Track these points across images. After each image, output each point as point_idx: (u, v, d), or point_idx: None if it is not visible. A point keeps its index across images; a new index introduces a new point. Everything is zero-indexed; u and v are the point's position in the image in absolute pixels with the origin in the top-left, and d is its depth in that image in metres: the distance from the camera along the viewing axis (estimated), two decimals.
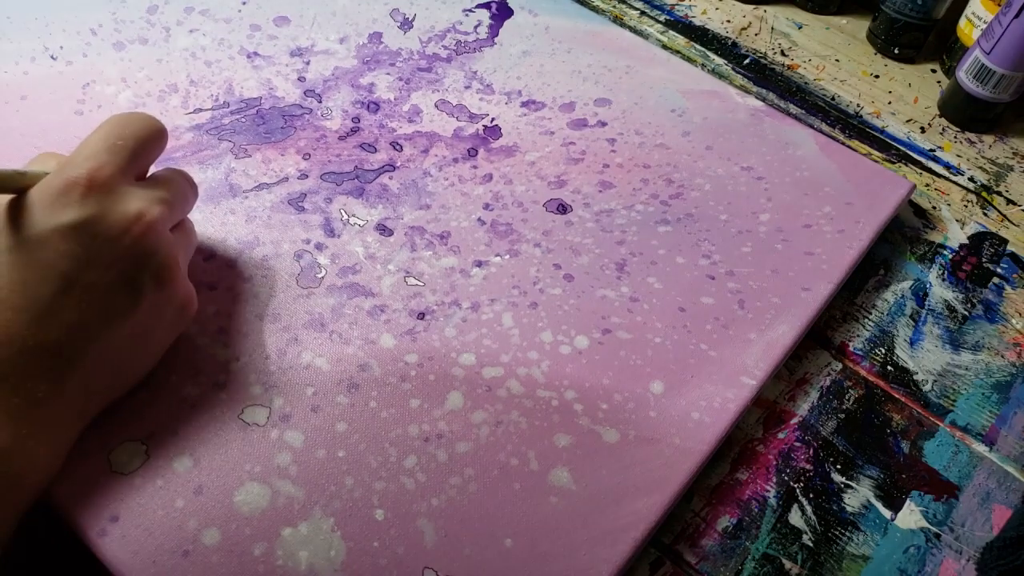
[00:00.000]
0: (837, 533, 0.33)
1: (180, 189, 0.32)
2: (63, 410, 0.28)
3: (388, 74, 0.46)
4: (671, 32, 0.53)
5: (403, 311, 0.36)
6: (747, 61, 0.52)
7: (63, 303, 0.28)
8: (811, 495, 0.34)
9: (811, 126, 0.48)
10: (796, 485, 0.34)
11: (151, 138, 0.31)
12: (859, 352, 0.39)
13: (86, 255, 0.28)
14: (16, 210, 0.28)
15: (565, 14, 0.50)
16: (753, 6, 0.56)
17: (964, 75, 0.47)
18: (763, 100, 0.49)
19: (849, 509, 0.34)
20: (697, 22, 0.54)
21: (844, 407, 0.37)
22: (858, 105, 0.50)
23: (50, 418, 0.28)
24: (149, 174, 0.33)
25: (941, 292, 0.41)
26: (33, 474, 0.27)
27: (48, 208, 0.28)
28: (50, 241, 0.27)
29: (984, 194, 0.46)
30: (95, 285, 0.28)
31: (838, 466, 0.35)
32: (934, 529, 0.33)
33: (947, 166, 0.47)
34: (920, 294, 0.41)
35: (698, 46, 0.52)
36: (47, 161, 0.31)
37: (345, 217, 0.39)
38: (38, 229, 0.27)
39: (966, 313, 0.40)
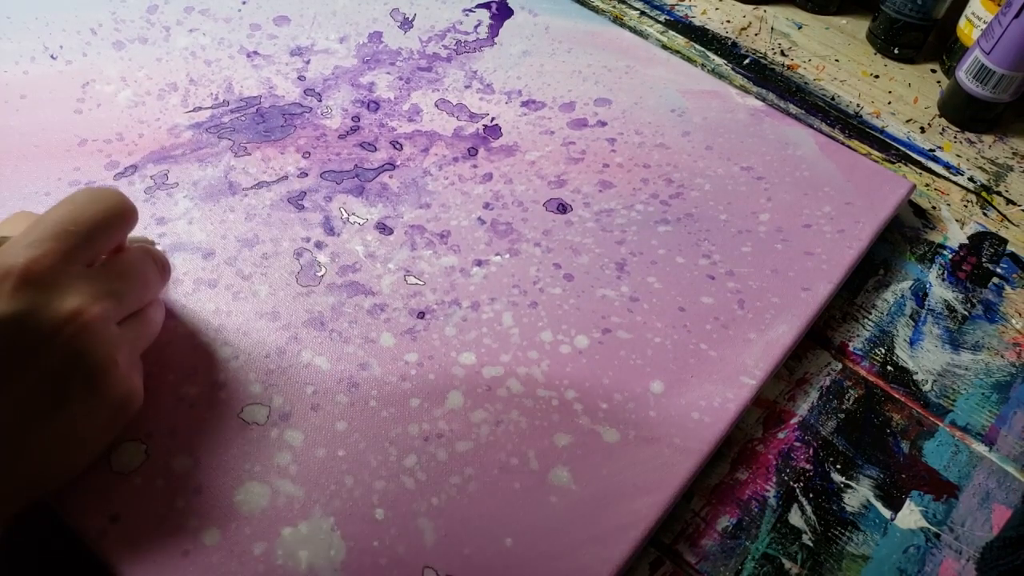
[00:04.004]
0: (837, 533, 0.33)
1: (138, 277, 0.30)
2: None
3: (388, 73, 0.46)
4: (671, 32, 0.53)
5: (403, 310, 0.36)
6: (747, 61, 0.52)
7: None
8: (811, 495, 0.34)
9: (811, 126, 0.48)
10: (796, 485, 0.34)
11: (110, 222, 0.28)
12: (859, 352, 0.39)
13: (7, 354, 0.25)
14: None
15: (565, 14, 0.50)
16: (753, 6, 0.56)
17: (964, 75, 0.47)
18: (763, 100, 0.49)
19: (849, 509, 0.34)
20: (697, 22, 0.54)
21: (844, 407, 0.37)
22: (858, 105, 0.50)
23: None
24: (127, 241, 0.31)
25: (941, 292, 0.41)
26: None
27: None
28: None
29: (984, 194, 0.46)
30: (14, 388, 0.25)
31: (838, 466, 0.35)
32: (934, 529, 0.33)
33: (947, 166, 0.47)
34: (920, 294, 0.41)
35: (698, 46, 0.52)
36: (20, 222, 0.29)
37: (345, 216, 0.39)
38: None
39: (966, 313, 0.40)
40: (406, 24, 0.49)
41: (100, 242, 0.28)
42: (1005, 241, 0.44)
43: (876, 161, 0.46)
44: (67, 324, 0.26)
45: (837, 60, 0.52)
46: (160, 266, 0.32)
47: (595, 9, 0.54)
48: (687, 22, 0.54)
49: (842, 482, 0.34)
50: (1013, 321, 0.40)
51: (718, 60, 0.52)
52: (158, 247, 0.32)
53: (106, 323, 0.27)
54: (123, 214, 0.29)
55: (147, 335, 0.31)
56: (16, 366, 0.25)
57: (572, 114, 0.45)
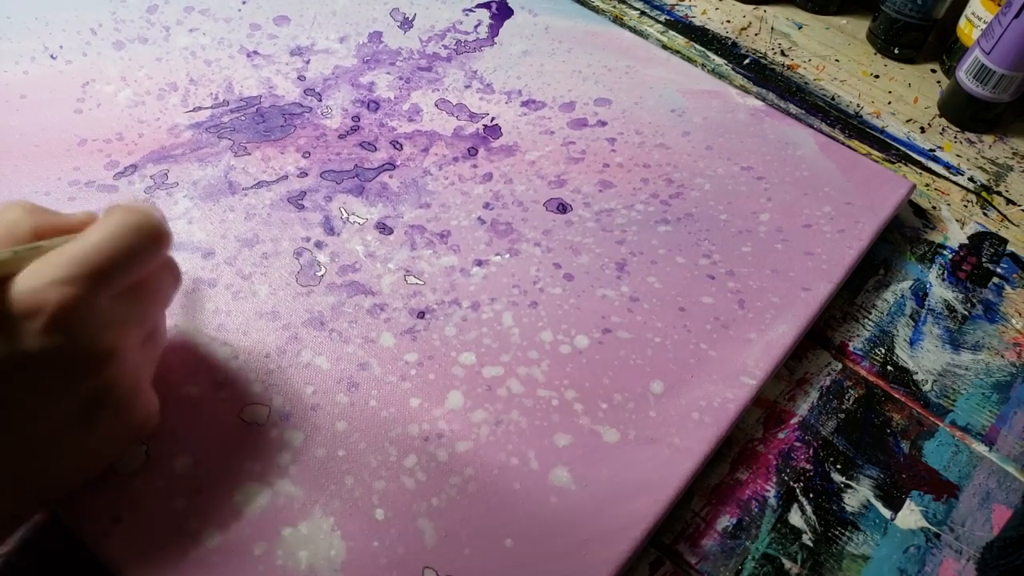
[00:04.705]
0: (837, 533, 0.33)
1: (159, 298, 0.29)
2: None
3: (388, 73, 0.46)
4: (671, 32, 0.53)
5: (403, 310, 0.36)
6: (747, 61, 0.52)
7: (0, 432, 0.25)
8: (811, 495, 0.34)
9: (811, 126, 0.48)
10: (796, 485, 0.34)
11: (145, 255, 0.27)
12: (859, 352, 0.39)
13: (40, 388, 0.25)
14: None
15: (565, 14, 0.50)
16: (753, 6, 0.56)
17: (964, 75, 0.47)
18: (763, 100, 0.49)
19: (849, 509, 0.34)
20: (697, 22, 0.54)
21: (844, 407, 0.37)
22: (858, 105, 0.50)
23: None
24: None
25: (941, 292, 0.41)
26: None
27: (5, 327, 0.24)
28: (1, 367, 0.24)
29: (984, 194, 0.46)
30: (44, 416, 0.25)
31: (838, 466, 0.35)
32: (934, 529, 0.33)
33: (947, 166, 0.47)
34: (920, 294, 0.41)
35: (698, 46, 0.52)
36: (6, 214, 0.27)
37: (345, 215, 0.39)
38: None
39: (966, 313, 0.40)
40: (406, 24, 0.49)
41: (132, 275, 0.27)
42: (1005, 241, 0.44)
43: (876, 161, 0.46)
44: (101, 363, 0.26)
45: (837, 60, 0.52)
46: (174, 277, 0.30)
47: (595, 9, 0.54)
48: (687, 22, 0.54)
49: (842, 482, 0.34)
50: (1013, 321, 0.40)
51: (718, 60, 0.52)
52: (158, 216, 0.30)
53: (134, 352, 0.27)
54: (158, 244, 0.27)
55: (160, 349, 0.31)
56: (46, 400, 0.25)
57: (572, 114, 0.45)
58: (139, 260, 0.27)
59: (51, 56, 0.44)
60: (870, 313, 0.40)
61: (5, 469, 0.25)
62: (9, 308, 0.24)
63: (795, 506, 0.34)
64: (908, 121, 0.49)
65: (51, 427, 0.26)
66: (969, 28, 0.49)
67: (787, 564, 0.32)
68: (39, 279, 0.25)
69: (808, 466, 0.35)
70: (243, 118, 0.43)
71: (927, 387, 0.38)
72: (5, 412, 0.24)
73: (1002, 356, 0.39)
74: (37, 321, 0.24)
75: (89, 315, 0.25)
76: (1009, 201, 0.46)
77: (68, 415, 0.26)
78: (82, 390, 0.26)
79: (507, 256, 0.38)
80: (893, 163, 0.47)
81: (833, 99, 0.50)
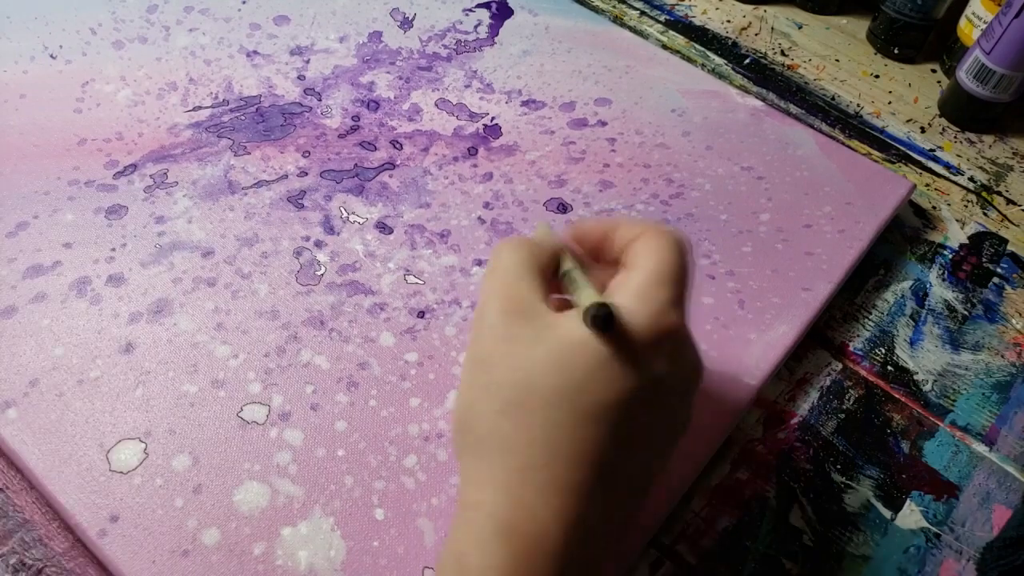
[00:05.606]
0: (837, 533, 0.33)
1: (686, 272, 0.27)
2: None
3: (388, 73, 0.46)
4: (671, 32, 0.53)
5: (403, 309, 0.36)
6: (747, 61, 0.52)
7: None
8: (811, 495, 0.34)
9: (811, 126, 0.48)
10: (796, 485, 0.34)
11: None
12: (859, 352, 0.39)
13: (664, 412, 0.24)
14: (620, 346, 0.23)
15: (565, 14, 0.50)
16: (753, 6, 0.56)
17: (964, 75, 0.47)
18: (763, 100, 0.49)
19: (849, 509, 0.34)
20: (697, 22, 0.54)
21: (844, 407, 0.37)
22: (858, 105, 0.50)
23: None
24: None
25: (941, 292, 0.41)
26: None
27: (639, 354, 0.23)
28: (653, 397, 0.23)
29: (984, 194, 0.46)
30: (660, 440, 0.25)
31: (838, 466, 0.35)
32: (934, 529, 0.33)
33: (947, 166, 0.47)
34: (920, 294, 0.41)
35: (698, 46, 0.52)
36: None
37: (345, 215, 0.39)
38: (639, 381, 0.23)
39: (966, 313, 0.40)
40: (406, 24, 0.49)
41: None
42: (1005, 241, 0.44)
43: (876, 161, 0.46)
44: (696, 376, 0.25)
45: (837, 60, 0.52)
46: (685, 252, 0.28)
47: (595, 9, 0.54)
48: (687, 22, 0.54)
49: (842, 482, 0.34)
50: (1013, 321, 0.40)
51: (718, 60, 0.52)
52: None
53: None
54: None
55: None
56: (664, 425, 0.25)
57: (572, 114, 0.45)
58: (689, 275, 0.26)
59: (51, 56, 0.44)
60: (870, 313, 0.40)
61: (635, 493, 0.24)
62: (640, 335, 0.23)
63: (795, 506, 0.34)
64: (908, 121, 0.49)
65: (663, 447, 0.25)
66: (969, 28, 0.49)
67: (787, 564, 0.32)
68: (653, 304, 0.24)
69: (808, 466, 0.35)
70: (243, 117, 0.43)
71: (927, 387, 0.38)
72: (637, 439, 0.24)
73: (1002, 356, 0.39)
74: (666, 346, 0.23)
75: (689, 333, 0.25)
76: (1009, 201, 0.46)
77: (671, 432, 0.25)
78: (686, 406, 0.25)
79: None
80: (893, 163, 0.47)
81: (833, 99, 0.50)
